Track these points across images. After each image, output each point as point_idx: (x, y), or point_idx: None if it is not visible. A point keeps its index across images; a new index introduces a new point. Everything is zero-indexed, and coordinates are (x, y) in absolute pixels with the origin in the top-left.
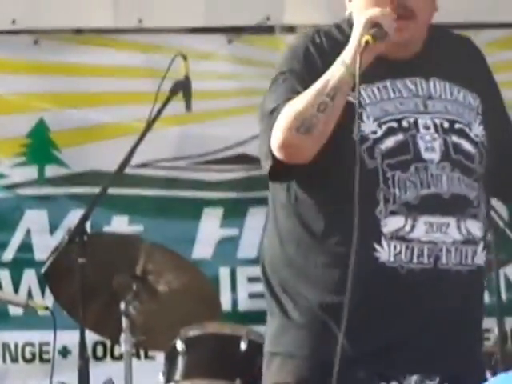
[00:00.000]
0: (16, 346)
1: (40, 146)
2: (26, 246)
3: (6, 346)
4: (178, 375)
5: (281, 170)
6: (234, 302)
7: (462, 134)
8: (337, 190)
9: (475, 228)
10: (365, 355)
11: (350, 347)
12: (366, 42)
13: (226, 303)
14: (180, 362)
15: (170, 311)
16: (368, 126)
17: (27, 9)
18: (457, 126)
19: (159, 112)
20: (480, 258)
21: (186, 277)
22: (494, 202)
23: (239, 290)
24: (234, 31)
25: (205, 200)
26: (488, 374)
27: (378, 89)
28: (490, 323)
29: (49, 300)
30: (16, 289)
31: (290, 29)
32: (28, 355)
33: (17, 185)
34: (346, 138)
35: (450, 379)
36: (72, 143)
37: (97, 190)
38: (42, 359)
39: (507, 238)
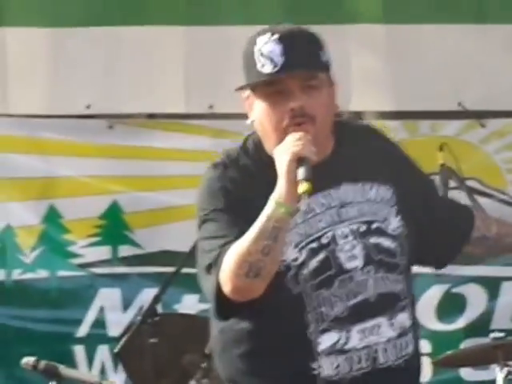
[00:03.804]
0: None
1: (113, 226)
2: (99, 323)
3: None
4: None
5: (226, 307)
6: None
7: (379, 232)
8: (263, 316)
9: (405, 319)
10: None
11: None
12: (307, 191)
13: None
14: None
15: None
16: (289, 254)
17: (101, 94)
18: (373, 226)
19: None
20: (411, 344)
21: None
22: None
23: None
24: None
25: None
26: None
27: None
28: None
29: (121, 374)
30: (90, 364)
31: (357, 115)
32: None
33: (91, 264)
34: None
35: None
36: (144, 224)
37: (168, 269)
38: None
39: None
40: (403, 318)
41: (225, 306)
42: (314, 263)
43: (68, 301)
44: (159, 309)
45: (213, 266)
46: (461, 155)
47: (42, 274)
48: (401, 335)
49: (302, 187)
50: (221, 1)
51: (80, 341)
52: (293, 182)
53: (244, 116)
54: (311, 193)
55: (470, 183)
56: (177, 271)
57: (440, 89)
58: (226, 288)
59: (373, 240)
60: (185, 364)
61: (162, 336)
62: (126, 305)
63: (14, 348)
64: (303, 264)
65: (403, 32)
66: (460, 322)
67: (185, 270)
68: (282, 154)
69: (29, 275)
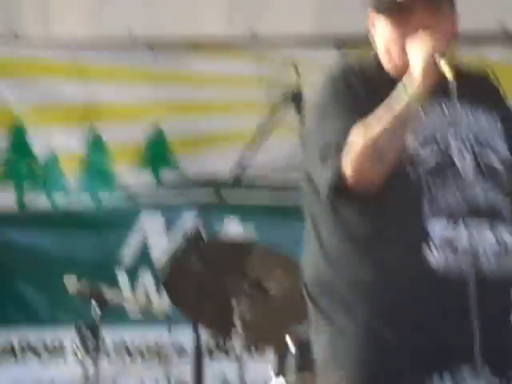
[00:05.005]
0: (133, 343)
1: (156, 151)
2: (142, 249)
3: (124, 344)
4: (289, 370)
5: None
6: None
7: (489, 146)
8: (382, 199)
9: (508, 236)
10: (419, 351)
11: (402, 348)
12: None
13: None
14: (291, 359)
15: (280, 310)
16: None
17: (143, 18)
18: (483, 140)
19: (273, 121)
20: (510, 263)
21: (295, 277)
22: None
23: None
24: (345, 40)
25: None
26: None
27: None
28: None
29: (165, 299)
30: (133, 287)
31: None
32: (146, 353)
33: (134, 189)
34: None
35: (498, 371)
36: (187, 149)
37: (211, 193)
38: (158, 356)
39: None
40: (505, 233)
41: (340, 193)
42: (428, 151)
43: (111, 227)
44: (202, 234)
45: (334, 150)
46: None
47: (85, 200)
48: (501, 247)
49: (448, 69)
50: None
51: (123, 266)
52: (428, 71)
53: (286, 39)
54: (455, 77)
55: None
56: (219, 195)
57: None
58: (348, 171)
59: (482, 153)
60: (228, 287)
61: (206, 260)
62: (169, 230)
63: (56, 273)
64: (419, 150)
65: None
66: None
67: (228, 195)
68: (420, 47)
69: (72, 201)
